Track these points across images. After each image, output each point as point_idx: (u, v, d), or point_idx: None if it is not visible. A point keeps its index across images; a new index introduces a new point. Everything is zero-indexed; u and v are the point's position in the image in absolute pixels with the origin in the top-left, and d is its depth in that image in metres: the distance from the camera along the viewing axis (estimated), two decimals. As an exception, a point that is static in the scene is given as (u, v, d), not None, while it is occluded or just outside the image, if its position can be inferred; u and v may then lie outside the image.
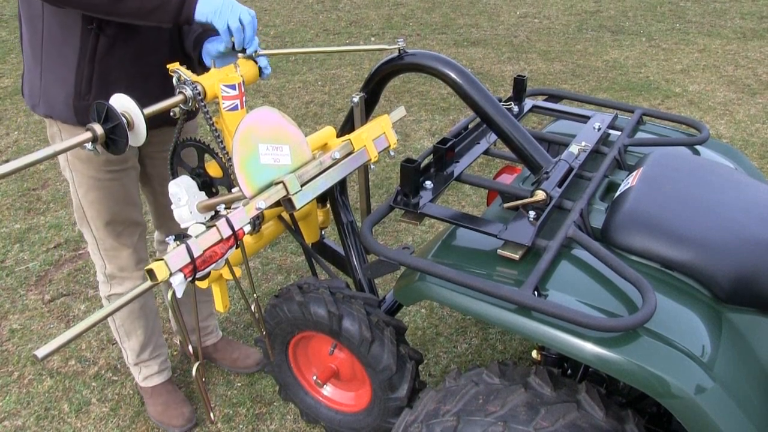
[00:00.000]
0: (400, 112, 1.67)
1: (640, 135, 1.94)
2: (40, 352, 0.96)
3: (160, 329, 2.21)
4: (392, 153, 1.64)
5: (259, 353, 2.38)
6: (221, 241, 1.20)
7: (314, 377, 1.87)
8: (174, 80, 1.43)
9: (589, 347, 1.18)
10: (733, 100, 4.53)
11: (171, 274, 1.11)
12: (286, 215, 1.75)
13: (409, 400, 1.69)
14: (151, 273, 1.09)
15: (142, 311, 2.07)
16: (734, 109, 4.39)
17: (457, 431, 1.27)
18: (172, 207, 1.44)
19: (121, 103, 1.28)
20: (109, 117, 1.26)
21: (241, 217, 1.25)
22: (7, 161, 3.89)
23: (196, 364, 1.35)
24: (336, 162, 1.46)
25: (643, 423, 1.29)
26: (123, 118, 1.26)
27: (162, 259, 1.10)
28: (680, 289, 1.34)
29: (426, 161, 1.64)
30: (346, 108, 4.44)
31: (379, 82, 1.70)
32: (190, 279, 1.16)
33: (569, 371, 1.68)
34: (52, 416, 2.23)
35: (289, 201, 1.34)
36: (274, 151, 1.35)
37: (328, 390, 1.94)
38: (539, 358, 1.62)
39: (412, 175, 1.53)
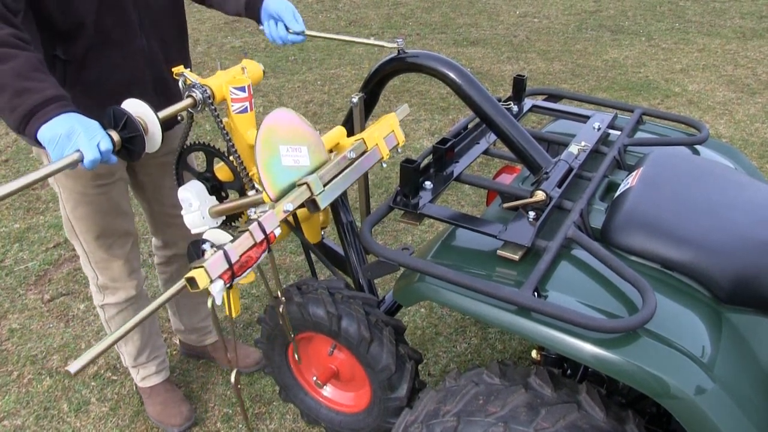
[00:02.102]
0: (404, 110, 1.67)
1: (639, 135, 1.93)
2: (73, 368, 0.96)
3: (158, 331, 2.20)
4: (399, 150, 1.64)
5: (258, 353, 2.38)
6: (255, 245, 1.21)
7: (314, 378, 1.87)
8: (180, 84, 1.41)
9: (589, 348, 1.18)
10: (732, 99, 4.53)
11: (211, 281, 1.11)
12: (289, 216, 1.75)
13: (409, 400, 1.69)
14: (191, 281, 1.09)
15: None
16: (734, 108, 4.39)
17: (457, 432, 1.26)
18: (182, 212, 1.42)
19: (136, 108, 1.26)
20: (126, 126, 1.23)
21: (272, 220, 1.26)
22: (6, 161, 3.89)
23: (234, 371, 1.33)
24: (352, 162, 1.48)
25: (643, 423, 1.29)
26: (140, 128, 1.24)
27: (202, 266, 1.10)
28: (680, 289, 1.34)
29: (426, 161, 1.64)
30: (346, 107, 4.44)
31: (378, 82, 1.69)
32: (229, 285, 1.16)
33: (569, 371, 1.68)
34: (52, 416, 2.22)
35: (313, 202, 1.35)
36: (293, 153, 1.35)
37: (328, 391, 1.94)
38: (539, 358, 1.61)
39: (411, 175, 1.53)
